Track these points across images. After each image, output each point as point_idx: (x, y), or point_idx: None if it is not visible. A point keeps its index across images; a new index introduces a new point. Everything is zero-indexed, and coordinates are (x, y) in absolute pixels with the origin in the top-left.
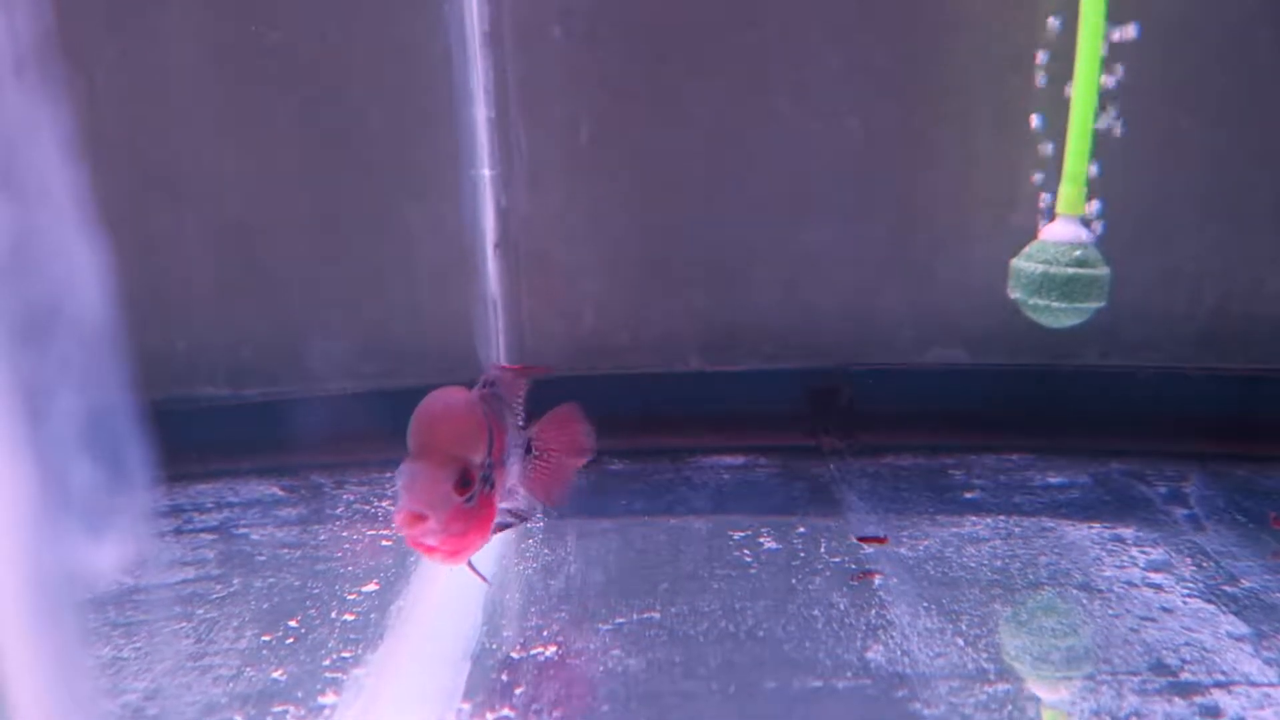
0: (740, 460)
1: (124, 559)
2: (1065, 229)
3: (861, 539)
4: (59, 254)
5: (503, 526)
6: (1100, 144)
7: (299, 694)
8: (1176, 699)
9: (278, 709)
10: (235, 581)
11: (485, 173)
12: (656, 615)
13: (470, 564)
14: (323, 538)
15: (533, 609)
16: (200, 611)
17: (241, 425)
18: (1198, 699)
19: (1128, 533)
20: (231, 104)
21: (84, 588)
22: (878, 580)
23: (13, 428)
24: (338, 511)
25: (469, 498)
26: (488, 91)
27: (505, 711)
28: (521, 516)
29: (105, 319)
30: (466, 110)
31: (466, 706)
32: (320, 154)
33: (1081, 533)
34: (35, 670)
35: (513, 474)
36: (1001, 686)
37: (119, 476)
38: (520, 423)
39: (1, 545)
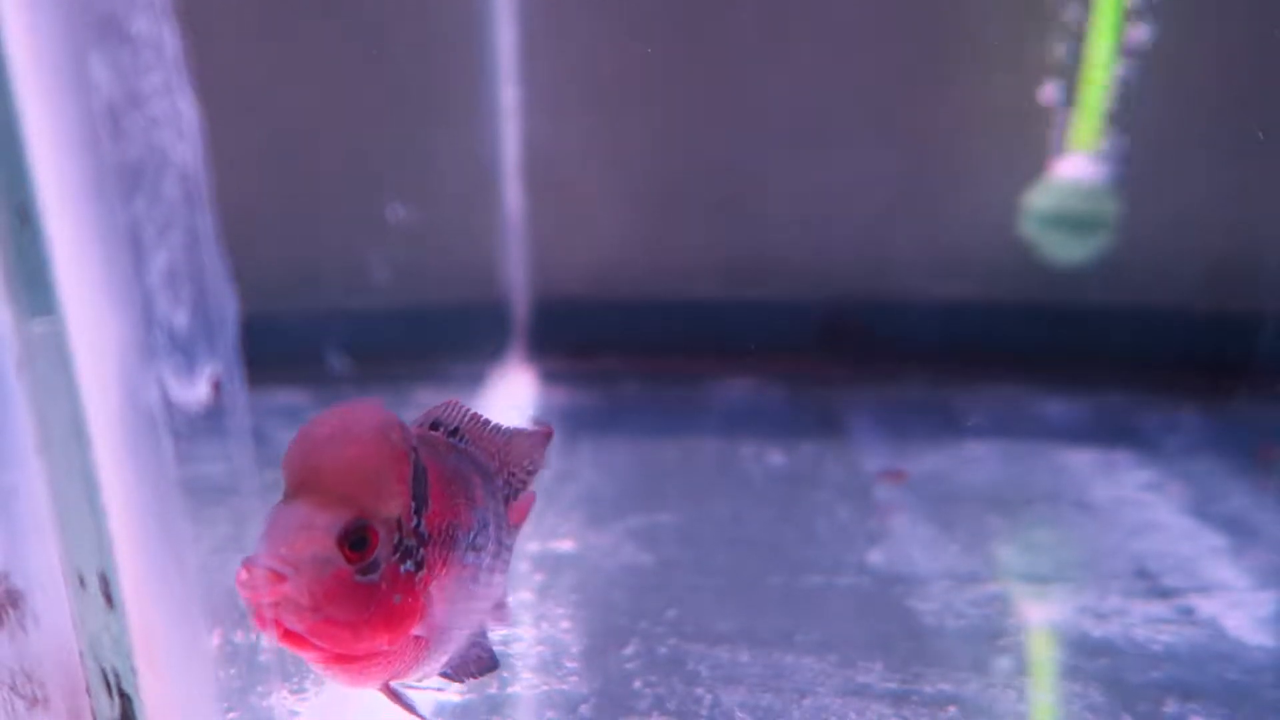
0: (753, 385)
1: (209, 388)
2: (1078, 165)
3: (882, 474)
4: (160, 107)
5: (450, 675)
6: (1114, 83)
7: None
8: (1156, 600)
9: None
10: (267, 476)
11: (509, 99)
12: (667, 519)
13: (393, 693)
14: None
15: (550, 510)
16: (234, 500)
17: (271, 338)
18: (1176, 601)
19: (1121, 457)
20: (271, 23)
21: (181, 417)
22: (879, 494)
23: (115, 270)
24: None
25: (365, 568)
26: (512, 18)
27: (524, 594)
28: (484, 662)
29: (198, 170)
30: (492, 41)
31: None
32: (354, 77)
33: (1077, 457)
34: (132, 498)
35: (482, 578)
36: (993, 586)
37: (204, 310)
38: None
39: (104, 379)
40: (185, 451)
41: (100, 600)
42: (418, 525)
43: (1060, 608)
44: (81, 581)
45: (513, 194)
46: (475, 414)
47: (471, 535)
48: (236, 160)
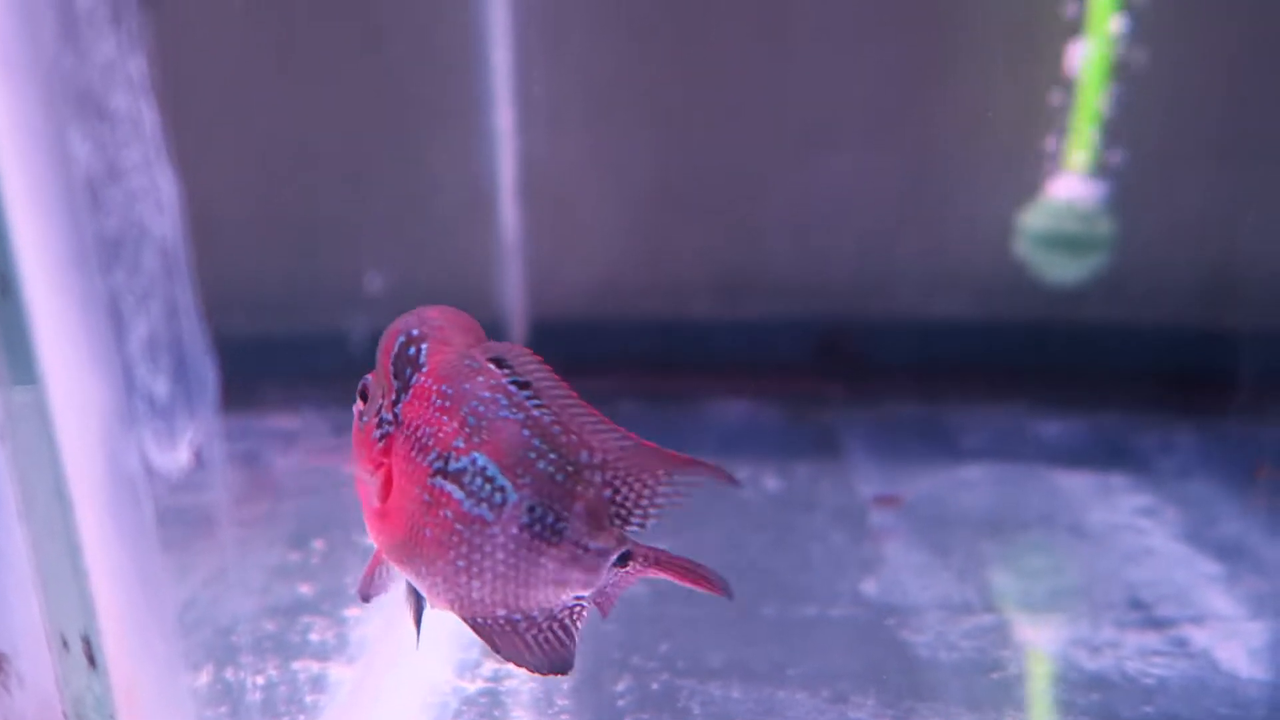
0: (747, 405)
1: (189, 455)
2: (1073, 184)
3: (878, 499)
4: (139, 181)
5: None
6: (1110, 100)
7: (325, 607)
8: (1150, 631)
9: (305, 620)
10: (263, 504)
11: (505, 114)
12: (662, 545)
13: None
14: (346, 467)
15: None
16: (231, 531)
17: (266, 359)
18: (1170, 632)
19: (1117, 480)
20: (264, 43)
21: (162, 484)
22: (874, 519)
23: (96, 337)
24: None
25: (359, 413)
26: (509, 33)
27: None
28: (548, 649)
29: (177, 242)
30: (487, 52)
31: None
32: (349, 94)
33: (1073, 479)
34: (115, 561)
35: (476, 533)
36: (987, 618)
37: (184, 378)
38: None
39: (85, 444)
40: (178, 479)
41: (83, 661)
42: (395, 404)
43: (1054, 639)
44: (64, 643)
45: (509, 213)
46: (555, 383)
47: (446, 462)
48: (231, 181)
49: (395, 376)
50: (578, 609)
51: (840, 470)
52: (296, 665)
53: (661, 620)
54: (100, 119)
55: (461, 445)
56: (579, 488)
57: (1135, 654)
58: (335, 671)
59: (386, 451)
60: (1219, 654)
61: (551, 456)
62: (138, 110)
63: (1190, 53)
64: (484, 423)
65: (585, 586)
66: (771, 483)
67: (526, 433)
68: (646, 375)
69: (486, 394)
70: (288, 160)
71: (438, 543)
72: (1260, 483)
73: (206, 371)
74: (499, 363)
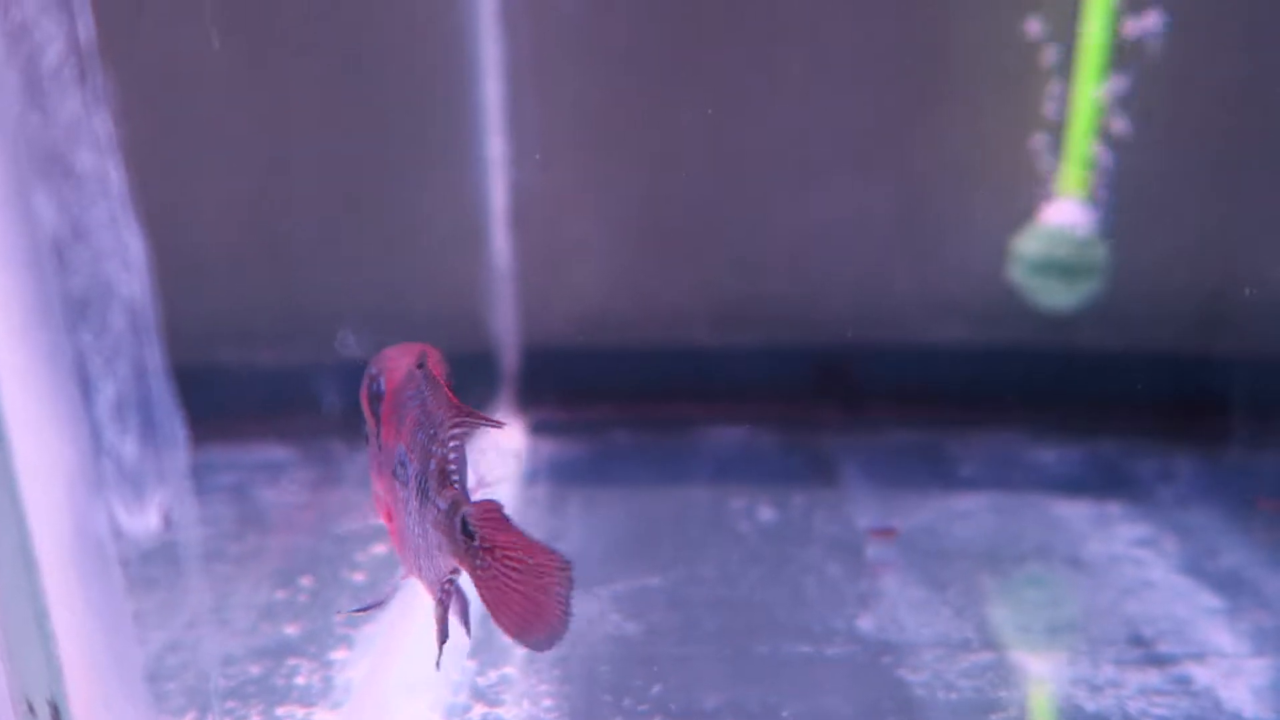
0: (743, 434)
1: (159, 519)
2: (1066, 210)
3: (873, 531)
4: (101, 232)
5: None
6: (1104, 126)
7: (311, 649)
8: (1151, 669)
9: (291, 662)
10: (250, 540)
11: (496, 146)
12: (656, 582)
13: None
14: (334, 501)
15: None
16: (217, 568)
17: (254, 391)
18: (1171, 670)
19: (1115, 509)
20: (250, 74)
21: (128, 545)
22: (870, 551)
23: (62, 398)
24: (348, 475)
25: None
26: (499, 65)
27: (507, 670)
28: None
29: (145, 301)
30: (478, 82)
31: (472, 664)
32: (337, 125)
33: (1070, 509)
34: (82, 624)
35: (407, 518)
36: (985, 656)
37: (153, 440)
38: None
39: (51, 506)
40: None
41: None
42: (377, 436)
43: (1054, 678)
44: (31, 709)
45: (500, 241)
46: (441, 376)
47: (394, 463)
48: (219, 208)
49: (372, 412)
50: (448, 584)
51: (837, 500)
52: (280, 711)
53: (653, 661)
54: (66, 178)
55: (394, 448)
56: (435, 449)
57: (1137, 693)
58: (321, 717)
59: (375, 470)
60: (1222, 693)
61: (429, 430)
62: (104, 168)
63: (1185, 79)
64: (404, 419)
65: (451, 554)
66: (767, 513)
67: (419, 415)
68: (640, 404)
69: (408, 395)
70: (276, 190)
71: (401, 536)
72: (1261, 513)
73: (176, 432)
74: (419, 366)
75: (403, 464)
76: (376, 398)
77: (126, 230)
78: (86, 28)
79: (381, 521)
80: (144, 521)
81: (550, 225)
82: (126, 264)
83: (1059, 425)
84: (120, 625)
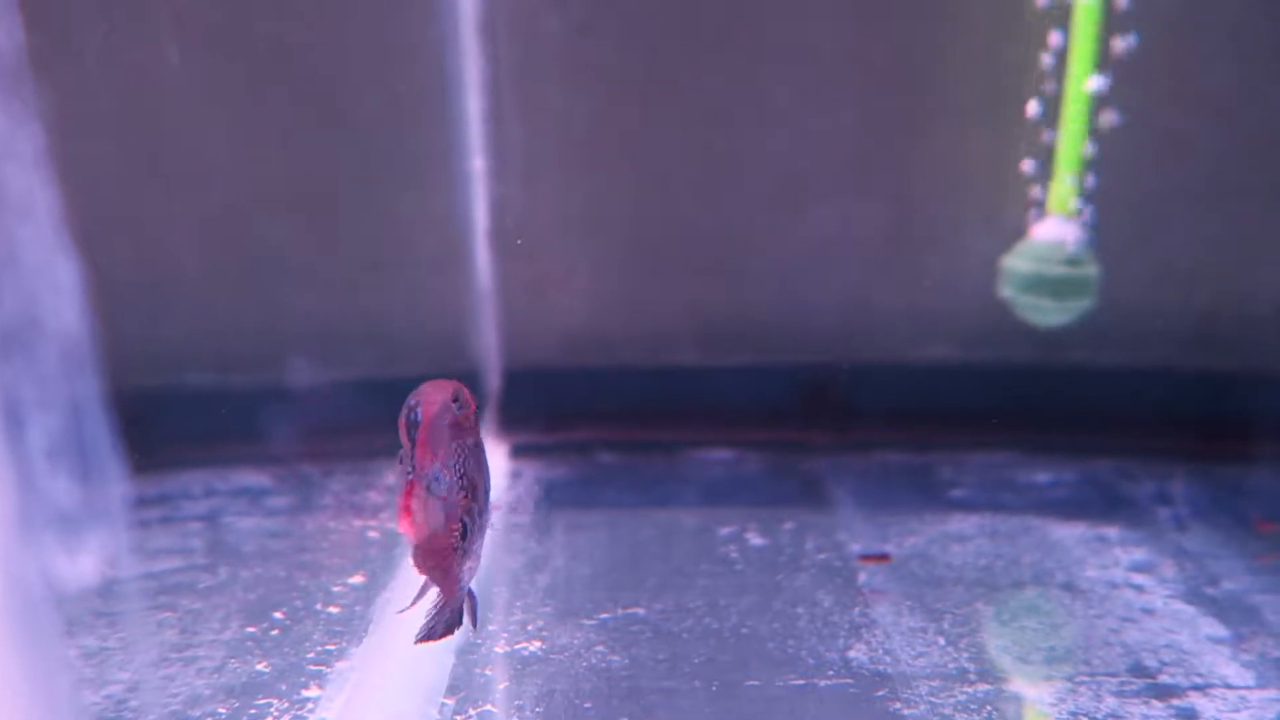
0: (732, 455)
1: (104, 558)
2: (1056, 228)
3: (864, 557)
4: (31, 265)
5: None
6: (1094, 142)
7: (283, 687)
8: (1154, 701)
9: (261, 701)
10: (221, 572)
11: (479, 164)
12: (642, 611)
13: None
14: (310, 528)
15: (518, 603)
16: (185, 602)
17: (231, 413)
18: (1175, 701)
19: (1112, 532)
20: (223, 92)
21: (64, 586)
22: (862, 578)
23: None
24: (325, 502)
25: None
26: (482, 82)
27: (487, 707)
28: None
29: (81, 326)
30: (460, 101)
31: (450, 702)
32: (312, 143)
33: (1066, 532)
34: (13, 671)
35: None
36: (982, 687)
37: (96, 476)
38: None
39: None
40: (137, 544)
41: None
42: (411, 456)
43: (1054, 711)
44: None
45: (483, 262)
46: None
47: (428, 478)
48: (197, 229)
49: (409, 438)
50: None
51: (828, 524)
52: None
53: (639, 695)
54: None
55: (430, 468)
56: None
57: None
58: None
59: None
60: None
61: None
62: (30, 190)
63: (1176, 97)
64: (439, 447)
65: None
66: (756, 539)
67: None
68: (626, 426)
69: (440, 427)
70: (255, 211)
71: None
72: (1261, 535)
73: (114, 474)
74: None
75: (436, 480)
76: (413, 425)
77: (58, 255)
78: (14, 42)
79: (402, 532)
80: (79, 567)
81: (534, 244)
82: (58, 290)
83: (1052, 445)
84: (55, 674)
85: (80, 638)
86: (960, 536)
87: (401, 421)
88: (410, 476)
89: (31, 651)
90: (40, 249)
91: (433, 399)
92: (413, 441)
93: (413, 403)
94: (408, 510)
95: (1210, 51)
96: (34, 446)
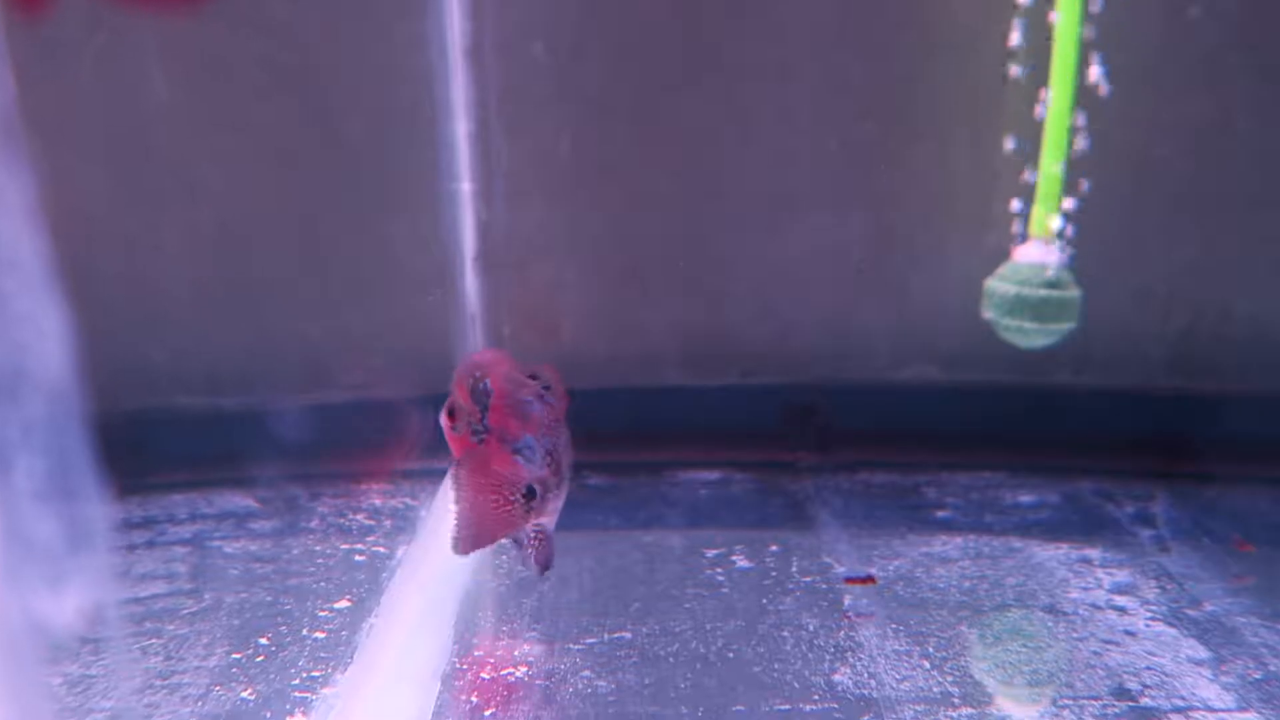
0: (717, 475)
1: (87, 582)
2: (1037, 251)
3: (849, 580)
4: (18, 309)
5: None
6: (1073, 166)
7: (267, 714)
8: None
9: None
10: (207, 596)
11: (465, 186)
12: (627, 635)
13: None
14: (296, 552)
15: (504, 628)
16: (170, 628)
17: (217, 436)
18: None
19: (1094, 554)
20: (212, 114)
21: (45, 613)
22: (847, 601)
23: None
24: (312, 525)
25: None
26: (468, 106)
27: None
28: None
29: (65, 379)
30: (447, 124)
31: None
32: (301, 165)
33: (1049, 553)
34: None
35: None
36: (965, 711)
37: (80, 499)
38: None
39: None
40: (122, 569)
41: None
42: (483, 419)
43: None
44: None
45: (469, 284)
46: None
47: (518, 445)
48: (184, 251)
49: (475, 402)
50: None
51: (813, 546)
52: None
53: None
54: None
55: (520, 434)
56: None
57: None
58: None
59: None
60: None
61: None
62: (14, 226)
63: (1155, 119)
64: (529, 418)
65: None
66: (742, 561)
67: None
68: (611, 448)
69: (521, 398)
70: (244, 233)
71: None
72: (1241, 555)
73: (98, 517)
74: (534, 376)
75: (529, 447)
76: (484, 394)
77: (41, 299)
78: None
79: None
80: (64, 611)
81: (519, 267)
82: (42, 333)
83: (1036, 465)
84: (37, 710)
85: (63, 665)
86: (944, 558)
87: (462, 387)
88: (482, 437)
89: (13, 680)
90: (24, 272)
91: (495, 371)
92: (482, 408)
93: (477, 374)
94: (473, 465)
95: (1186, 79)
96: (16, 469)
